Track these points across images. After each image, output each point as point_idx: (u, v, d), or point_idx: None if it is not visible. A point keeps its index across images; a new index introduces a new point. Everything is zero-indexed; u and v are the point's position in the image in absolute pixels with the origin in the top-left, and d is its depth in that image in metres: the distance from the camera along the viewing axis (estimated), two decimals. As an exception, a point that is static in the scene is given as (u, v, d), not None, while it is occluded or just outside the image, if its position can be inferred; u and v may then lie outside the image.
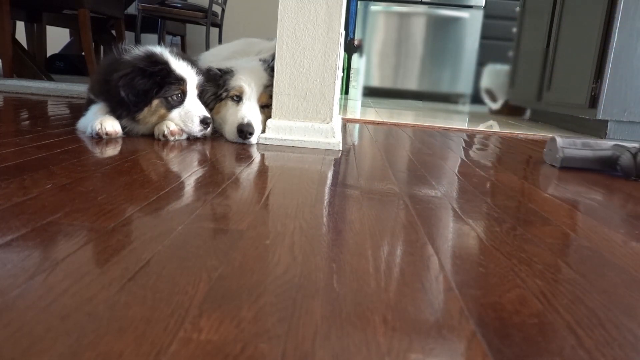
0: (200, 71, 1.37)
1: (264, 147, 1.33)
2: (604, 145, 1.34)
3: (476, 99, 4.12)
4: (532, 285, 0.54)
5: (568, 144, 1.35)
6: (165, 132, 1.28)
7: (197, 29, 4.17)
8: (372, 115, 2.52)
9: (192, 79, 1.31)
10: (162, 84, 1.26)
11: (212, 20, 3.63)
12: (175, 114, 1.29)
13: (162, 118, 1.29)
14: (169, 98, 1.27)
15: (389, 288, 0.50)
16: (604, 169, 1.34)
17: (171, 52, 1.34)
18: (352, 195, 0.88)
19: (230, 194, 0.82)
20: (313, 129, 1.38)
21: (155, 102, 1.26)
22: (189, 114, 1.30)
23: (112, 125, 1.25)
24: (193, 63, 1.36)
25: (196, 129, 1.31)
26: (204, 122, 1.31)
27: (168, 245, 0.57)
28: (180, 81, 1.28)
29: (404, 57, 4.17)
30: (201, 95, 1.45)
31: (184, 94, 1.30)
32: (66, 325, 0.39)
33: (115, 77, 1.22)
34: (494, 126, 2.48)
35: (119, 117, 1.27)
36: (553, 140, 1.38)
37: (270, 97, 1.39)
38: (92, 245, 0.55)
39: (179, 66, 1.30)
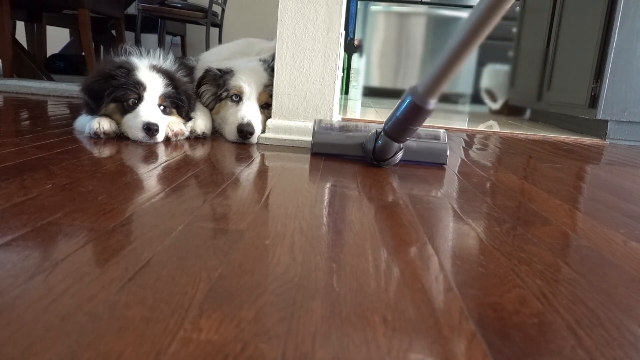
0: (171, 84, 1.30)
1: (264, 147, 1.33)
2: (363, 130, 1.25)
3: (476, 99, 4.12)
4: (532, 285, 0.54)
5: (323, 128, 1.27)
6: (170, 135, 1.29)
7: (197, 29, 4.17)
8: (372, 115, 2.52)
9: (154, 87, 1.27)
10: (119, 88, 1.24)
11: (212, 20, 3.63)
12: (126, 118, 1.25)
13: (120, 122, 1.27)
14: (125, 103, 1.24)
15: (389, 288, 0.50)
16: (358, 156, 1.23)
17: (140, 56, 1.34)
18: (352, 195, 0.88)
19: (230, 194, 0.82)
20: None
21: (111, 105, 1.25)
22: (131, 120, 1.24)
23: (109, 124, 1.25)
24: (168, 75, 1.31)
25: (137, 135, 1.23)
26: (147, 129, 1.22)
27: (168, 245, 0.57)
28: (137, 86, 1.24)
29: (404, 57, 4.17)
30: (200, 96, 1.46)
31: (139, 99, 1.25)
32: (66, 325, 0.39)
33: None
34: (494, 126, 2.48)
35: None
36: (313, 123, 1.30)
37: (270, 97, 1.39)
38: (92, 245, 0.55)
39: (143, 73, 1.27)
